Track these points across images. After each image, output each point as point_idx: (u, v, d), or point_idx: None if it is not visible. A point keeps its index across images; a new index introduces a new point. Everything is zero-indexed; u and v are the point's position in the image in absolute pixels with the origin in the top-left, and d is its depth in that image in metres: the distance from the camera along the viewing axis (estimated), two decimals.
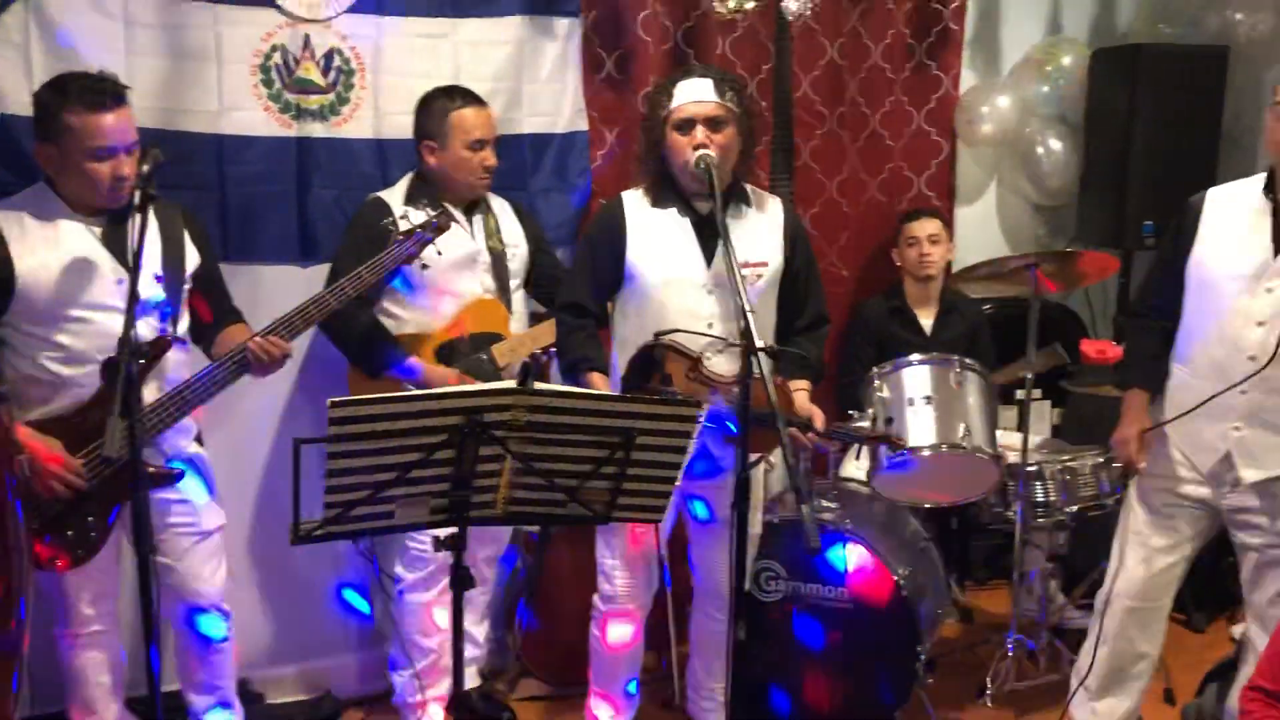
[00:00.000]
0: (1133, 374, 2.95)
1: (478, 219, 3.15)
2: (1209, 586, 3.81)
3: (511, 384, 1.93)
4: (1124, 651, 2.92)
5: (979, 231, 4.37)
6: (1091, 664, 2.98)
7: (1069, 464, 3.48)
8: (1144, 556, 2.85)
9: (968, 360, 3.37)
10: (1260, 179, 2.72)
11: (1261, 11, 4.10)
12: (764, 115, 3.80)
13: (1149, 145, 4.03)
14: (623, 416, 2.02)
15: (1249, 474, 2.67)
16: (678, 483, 2.13)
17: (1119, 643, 2.92)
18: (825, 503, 3.36)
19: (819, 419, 2.82)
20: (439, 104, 3.09)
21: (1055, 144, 4.24)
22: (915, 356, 3.39)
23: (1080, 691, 3.03)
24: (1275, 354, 2.53)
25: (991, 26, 4.31)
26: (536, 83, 3.55)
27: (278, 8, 3.17)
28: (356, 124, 3.31)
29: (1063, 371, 4.21)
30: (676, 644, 3.22)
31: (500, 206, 3.24)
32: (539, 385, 1.96)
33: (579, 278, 2.92)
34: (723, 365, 2.73)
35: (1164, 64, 4.03)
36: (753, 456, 2.71)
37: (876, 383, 3.37)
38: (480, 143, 3.08)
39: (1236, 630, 3.71)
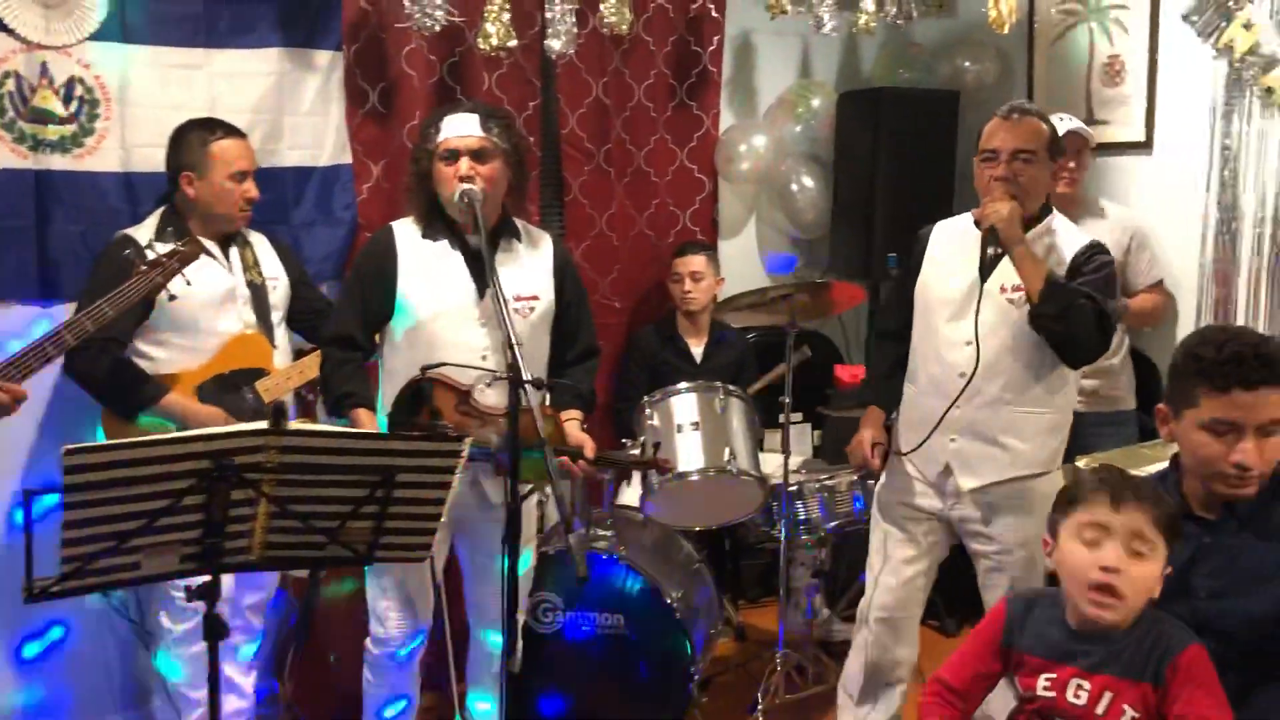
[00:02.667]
0: (868, 393, 3.18)
1: (234, 252, 3.06)
2: (957, 593, 4.07)
3: (262, 425, 1.88)
4: (882, 660, 3.07)
5: (741, 263, 4.54)
6: (854, 674, 3.13)
7: (827, 483, 3.68)
8: (892, 569, 3.01)
9: (731, 387, 3.52)
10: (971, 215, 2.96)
11: (986, 61, 4.48)
12: (533, 150, 3.87)
13: (891, 182, 4.30)
14: (383, 454, 1.99)
15: (965, 482, 2.87)
16: (443, 519, 2.12)
17: (876, 652, 3.06)
18: (600, 530, 3.41)
19: (589, 448, 2.86)
20: (196, 135, 2.99)
21: (808, 181, 4.47)
22: (682, 384, 3.51)
23: (844, 700, 3.17)
24: (976, 369, 2.75)
25: (747, 70, 4.51)
26: (297, 115, 3.49)
27: (10, 32, 2.99)
28: (102, 156, 3.16)
29: (821, 396, 4.44)
30: (456, 681, 3.18)
31: (257, 239, 3.16)
32: (293, 425, 1.92)
33: (347, 309, 2.87)
34: (495, 398, 2.74)
35: (902, 107, 4.33)
36: (525, 488, 2.75)
37: (647, 410, 3.48)
38: (242, 174, 3.01)
39: None
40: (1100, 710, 1.87)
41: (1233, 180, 3.73)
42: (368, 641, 2.94)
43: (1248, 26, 3.60)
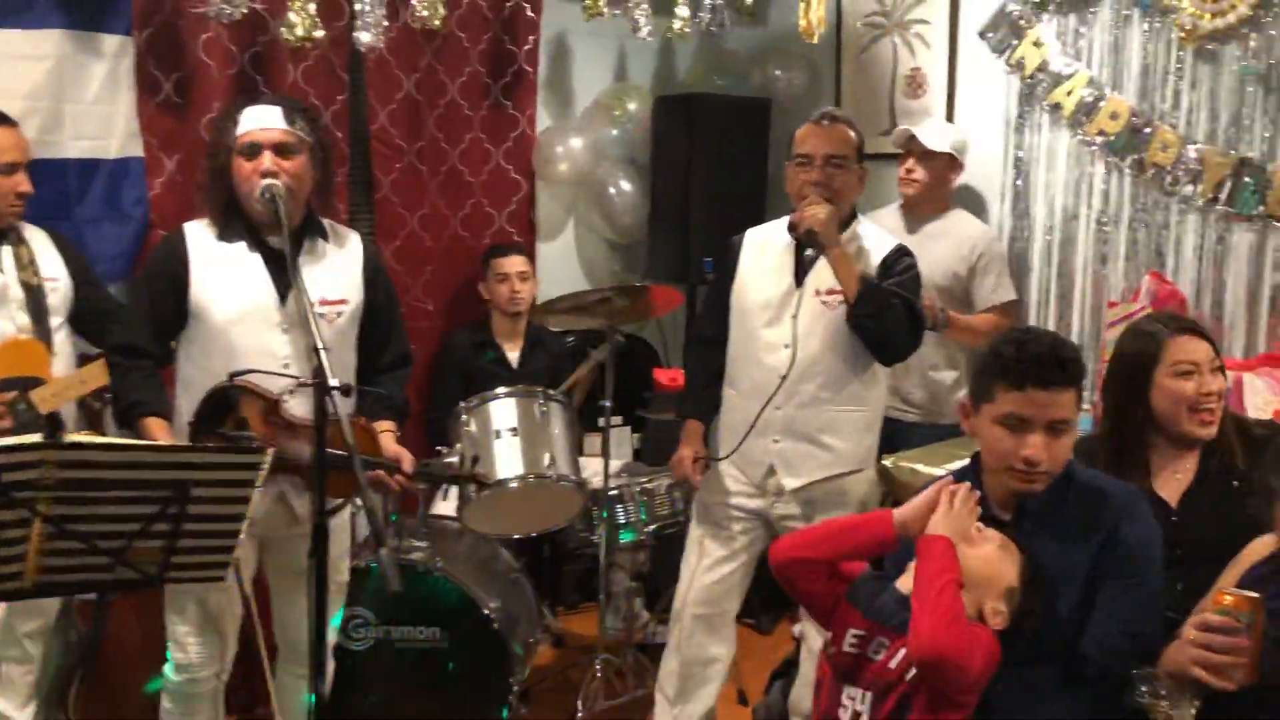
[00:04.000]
0: (687, 406, 3.20)
1: (6, 250, 2.82)
2: (772, 590, 4.14)
3: (36, 437, 1.71)
4: (696, 658, 3.09)
5: (560, 267, 4.52)
6: (669, 673, 3.14)
7: (646, 486, 3.68)
8: (707, 566, 3.04)
9: (551, 391, 3.47)
10: (785, 220, 3.01)
11: (796, 70, 4.59)
12: (340, 147, 3.73)
13: (707, 187, 4.35)
14: (175, 468, 1.85)
15: (789, 482, 2.94)
16: (242, 536, 1.98)
17: (690, 650, 3.08)
18: (415, 542, 3.31)
19: (406, 460, 2.77)
20: None
21: (626, 185, 4.47)
22: (501, 390, 3.42)
23: (660, 700, 3.18)
24: (790, 371, 2.82)
25: (563, 71, 4.49)
26: (82, 103, 3.25)
27: None
28: None
29: (640, 400, 4.45)
30: (270, 701, 3.02)
31: (36, 236, 2.92)
32: (74, 437, 1.75)
33: (135, 316, 2.70)
34: (306, 407, 2.61)
35: (716, 113, 4.38)
36: (335, 501, 2.63)
37: (464, 417, 3.37)
38: (11, 167, 2.78)
39: (796, 629, 4.07)
40: (893, 665, 1.92)
41: (1025, 191, 3.93)
42: (166, 669, 2.75)
43: (1037, 44, 3.81)
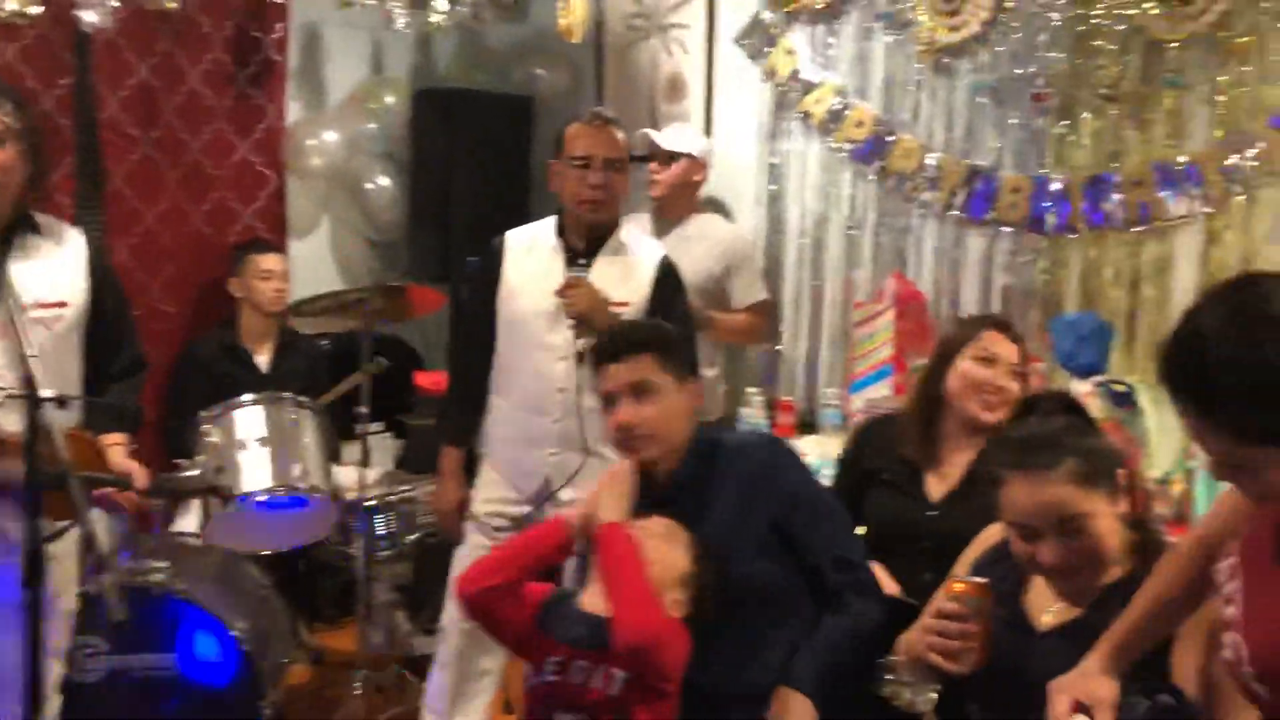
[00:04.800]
0: (446, 429, 3.09)
1: None
2: None
3: None
4: (466, 671, 3.02)
5: (313, 265, 4.34)
6: (439, 688, 3.05)
7: (407, 494, 3.57)
8: None
9: (301, 398, 3.31)
10: (551, 222, 2.96)
11: (558, 70, 4.57)
12: (64, 134, 3.46)
13: (469, 185, 4.27)
14: None
15: (565, 494, 2.87)
16: None
17: (461, 663, 3.01)
18: (153, 562, 3.07)
19: (138, 475, 2.55)
20: None
21: (384, 180, 4.35)
22: (247, 397, 3.24)
23: (429, 717, 3.09)
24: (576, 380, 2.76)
25: (315, 61, 4.33)
26: None
27: None
28: None
29: (402, 404, 4.32)
30: None
31: None
32: None
33: None
34: (14, 421, 2.36)
35: (478, 109, 4.32)
36: (61, 524, 2.41)
37: (206, 426, 3.17)
38: None
39: None
40: (597, 685, 1.91)
41: (779, 196, 4.05)
42: None
43: (789, 53, 3.92)
